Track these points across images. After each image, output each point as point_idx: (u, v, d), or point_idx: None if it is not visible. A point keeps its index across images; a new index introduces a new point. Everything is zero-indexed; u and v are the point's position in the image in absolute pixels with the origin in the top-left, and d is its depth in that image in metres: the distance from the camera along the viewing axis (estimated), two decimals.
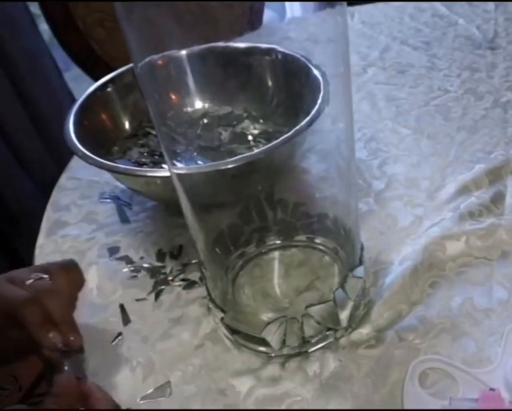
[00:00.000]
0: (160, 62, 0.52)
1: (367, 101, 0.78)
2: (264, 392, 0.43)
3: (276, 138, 0.50)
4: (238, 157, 0.48)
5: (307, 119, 0.50)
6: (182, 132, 0.63)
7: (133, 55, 0.37)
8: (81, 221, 0.65)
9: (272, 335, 0.44)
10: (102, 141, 0.63)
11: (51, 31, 1.17)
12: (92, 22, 1.14)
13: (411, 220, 0.57)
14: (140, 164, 0.62)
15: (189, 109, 0.67)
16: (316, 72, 0.58)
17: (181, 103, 0.67)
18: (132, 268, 0.57)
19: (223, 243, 0.52)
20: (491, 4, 0.99)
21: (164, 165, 0.59)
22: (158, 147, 0.64)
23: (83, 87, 0.67)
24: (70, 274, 0.41)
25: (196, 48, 0.64)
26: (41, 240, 0.63)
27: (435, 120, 0.72)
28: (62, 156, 0.75)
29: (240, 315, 0.47)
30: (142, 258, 0.58)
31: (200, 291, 0.52)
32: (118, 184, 0.63)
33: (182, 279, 0.54)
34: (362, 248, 0.48)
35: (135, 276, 0.56)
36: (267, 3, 0.97)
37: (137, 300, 0.53)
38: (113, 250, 0.59)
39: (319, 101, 0.52)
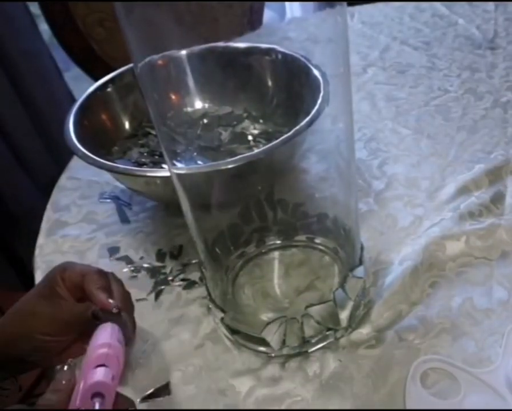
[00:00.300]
0: (160, 62, 0.52)
1: (367, 101, 0.78)
2: (264, 392, 0.43)
3: (276, 138, 0.50)
4: (238, 157, 0.48)
5: (307, 119, 0.50)
6: (182, 132, 0.63)
7: (133, 55, 0.37)
8: (81, 221, 0.65)
9: (272, 335, 0.44)
10: (102, 141, 0.63)
11: (51, 31, 1.17)
12: (92, 22, 1.14)
13: (411, 220, 0.57)
14: (140, 164, 0.62)
15: (189, 109, 0.67)
16: (316, 72, 0.58)
17: (181, 103, 0.67)
18: (132, 268, 0.57)
19: (223, 243, 0.52)
20: (491, 4, 0.99)
21: (164, 165, 0.59)
22: (157, 147, 0.64)
23: (83, 87, 0.67)
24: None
25: (196, 48, 0.63)
26: (41, 240, 0.63)
27: (435, 120, 0.72)
28: (62, 156, 0.75)
29: (240, 315, 0.47)
30: (141, 258, 0.58)
31: (200, 291, 0.52)
32: (118, 184, 0.63)
33: (182, 279, 0.54)
34: (362, 248, 0.48)
35: (135, 276, 0.56)
36: (267, 3, 0.97)
37: (137, 300, 0.53)
38: (113, 250, 0.59)
39: (319, 101, 0.52)
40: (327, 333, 0.45)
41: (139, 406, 0.44)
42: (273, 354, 0.45)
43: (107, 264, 0.58)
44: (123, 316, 0.43)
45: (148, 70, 0.39)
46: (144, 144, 0.66)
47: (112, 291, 0.44)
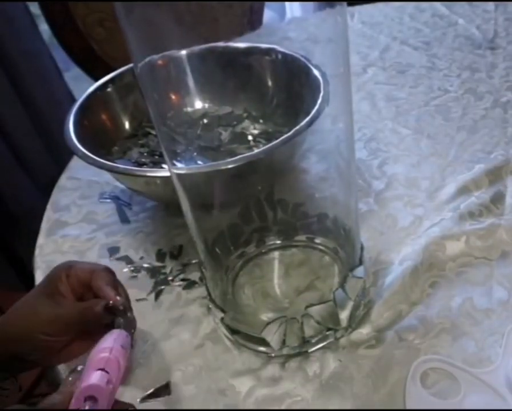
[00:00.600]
0: (160, 62, 0.52)
1: (367, 101, 0.78)
2: (264, 392, 0.43)
3: (276, 138, 0.50)
4: (238, 157, 0.48)
5: (307, 119, 0.50)
6: (182, 132, 0.63)
7: (133, 55, 0.37)
8: (81, 221, 0.65)
9: (272, 335, 0.44)
10: (102, 141, 0.63)
11: (51, 31, 1.17)
12: (92, 22, 1.14)
13: (411, 220, 0.57)
14: (140, 164, 0.62)
15: (189, 109, 0.67)
16: (316, 72, 0.58)
17: (181, 103, 0.67)
18: (132, 268, 0.57)
19: (223, 243, 0.52)
20: (491, 4, 0.99)
21: (164, 165, 0.59)
22: (157, 147, 0.64)
23: (83, 87, 0.67)
24: None
25: (196, 48, 0.63)
26: (41, 240, 0.63)
27: (435, 120, 0.72)
28: (62, 156, 0.75)
29: (240, 315, 0.47)
30: (141, 258, 0.58)
31: (200, 291, 0.52)
32: (118, 184, 0.63)
33: (182, 279, 0.54)
34: (362, 248, 0.48)
35: (135, 276, 0.56)
36: (267, 3, 0.97)
37: (137, 300, 0.53)
38: (113, 250, 0.59)
39: (319, 101, 0.52)
40: (327, 333, 0.45)
41: (139, 406, 0.44)
42: (273, 354, 0.45)
43: (107, 264, 0.57)
44: (129, 314, 0.43)
45: (148, 70, 0.39)
46: (144, 144, 0.66)
47: (118, 288, 0.45)
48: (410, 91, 0.79)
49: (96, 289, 0.44)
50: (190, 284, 0.54)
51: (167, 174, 0.45)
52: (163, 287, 0.54)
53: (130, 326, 0.43)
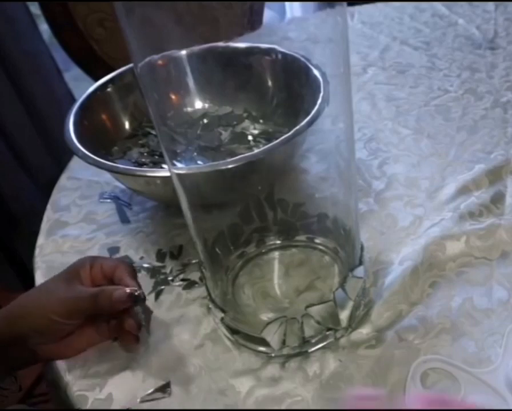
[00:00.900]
0: (160, 62, 0.52)
1: (367, 101, 0.78)
2: (264, 392, 0.43)
3: (276, 138, 0.50)
4: (238, 157, 0.48)
5: (307, 119, 0.50)
6: (182, 132, 0.63)
7: (133, 55, 0.37)
8: (81, 221, 0.65)
9: (272, 335, 0.44)
10: (102, 141, 0.63)
11: (51, 31, 1.17)
12: (92, 22, 1.14)
13: (411, 220, 0.57)
14: (140, 164, 0.62)
15: (189, 109, 0.67)
16: (316, 72, 0.58)
17: (181, 103, 0.67)
18: None
19: (223, 243, 0.52)
20: (491, 4, 0.99)
21: (164, 165, 0.59)
22: (157, 147, 0.64)
23: (83, 87, 0.67)
24: None
25: (196, 48, 0.63)
26: (41, 240, 0.63)
27: (435, 120, 0.72)
28: (62, 156, 0.75)
29: (240, 315, 0.47)
30: (141, 258, 0.58)
31: (200, 291, 0.52)
32: (118, 184, 0.63)
33: (182, 280, 0.54)
34: (362, 248, 0.48)
35: None
36: (267, 3, 0.97)
37: None
38: (113, 250, 0.59)
39: (319, 101, 0.52)
40: (327, 333, 0.45)
41: (139, 406, 0.44)
42: (273, 354, 0.45)
43: None
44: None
45: (148, 70, 0.39)
46: (144, 144, 0.66)
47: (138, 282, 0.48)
48: (410, 91, 0.79)
49: (118, 280, 0.47)
50: (190, 284, 0.54)
51: (167, 174, 0.45)
52: (163, 287, 0.54)
53: (148, 313, 0.47)
